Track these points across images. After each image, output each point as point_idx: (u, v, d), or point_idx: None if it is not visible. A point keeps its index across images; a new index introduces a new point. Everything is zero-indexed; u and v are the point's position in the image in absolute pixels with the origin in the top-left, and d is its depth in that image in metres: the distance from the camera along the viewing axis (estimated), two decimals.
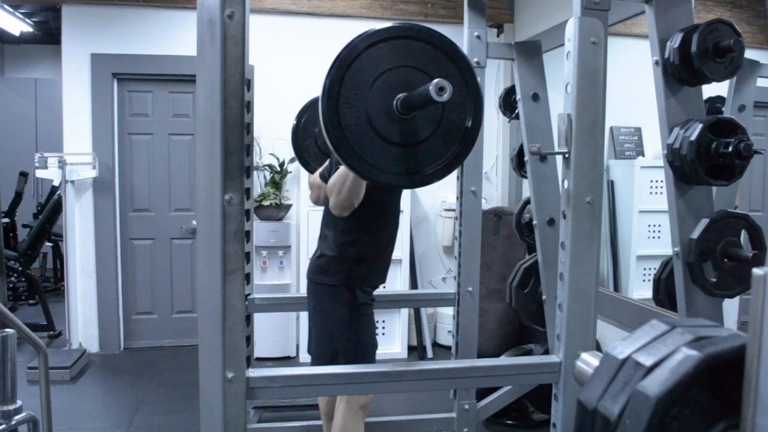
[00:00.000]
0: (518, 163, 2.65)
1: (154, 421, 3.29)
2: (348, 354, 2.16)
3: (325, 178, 2.34)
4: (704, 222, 1.45)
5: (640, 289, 3.08)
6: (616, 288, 3.26)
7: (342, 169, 1.99)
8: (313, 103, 2.55)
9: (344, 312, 2.17)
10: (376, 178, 1.34)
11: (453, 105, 1.33)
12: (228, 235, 1.25)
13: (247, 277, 2.30)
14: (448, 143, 1.36)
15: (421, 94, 1.22)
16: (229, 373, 1.28)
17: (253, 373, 1.34)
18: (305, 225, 4.23)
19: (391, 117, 1.30)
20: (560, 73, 1.44)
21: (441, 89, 1.16)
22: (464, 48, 2.31)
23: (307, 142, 2.56)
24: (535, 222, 2.30)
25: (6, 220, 5.67)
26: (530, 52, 2.33)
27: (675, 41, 1.47)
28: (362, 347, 2.18)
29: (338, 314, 2.17)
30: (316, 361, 2.25)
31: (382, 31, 1.30)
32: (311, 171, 2.61)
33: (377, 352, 2.29)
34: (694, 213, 1.49)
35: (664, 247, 1.78)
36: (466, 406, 2.42)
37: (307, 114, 2.54)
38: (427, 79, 1.27)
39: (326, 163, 2.42)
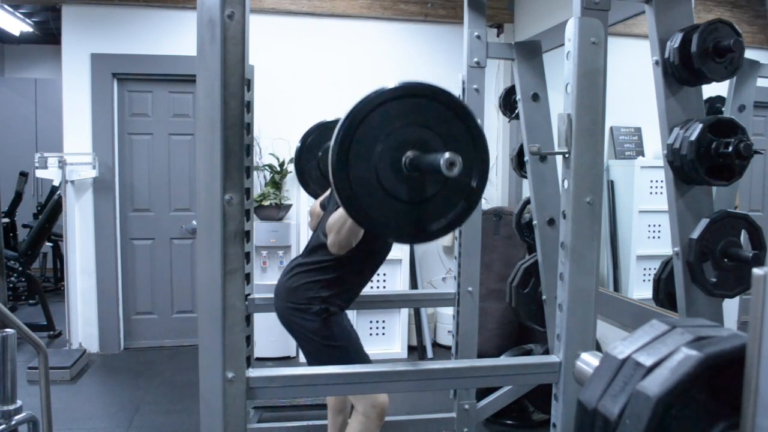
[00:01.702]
0: (518, 163, 2.65)
1: (154, 421, 3.29)
2: (338, 362, 2.12)
3: (325, 207, 2.34)
4: (704, 222, 1.45)
5: (640, 289, 3.08)
6: (616, 288, 3.26)
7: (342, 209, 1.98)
8: (318, 127, 2.59)
9: (315, 327, 2.12)
10: (381, 232, 1.37)
11: None
12: (228, 235, 1.25)
13: (247, 277, 2.30)
14: (452, 201, 1.36)
15: (431, 164, 1.22)
16: (229, 373, 1.28)
17: (253, 373, 1.34)
18: (305, 225, 4.22)
19: (399, 173, 1.30)
20: (560, 73, 1.44)
21: (451, 164, 1.15)
22: (464, 48, 2.31)
23: (309, 164, 2.59)
24: (535, 222, 2.30)
25: (6, 220, 5.67)
26: (530, 52, 2.33)
27: (675, 41, 1.47)
28: (345, 351, 2.14)
29: (314, 333, 2.13)
30: None
31: (396, 89, 1.30)
32: (310, 192, 2.64)
33: (376, 352, 2.27)
34: (694, 213, 1.49)
35: (664, 247, 1.77)
36: (466, 406, 2.42)
37: (311, 137, 2.58)
38: (436, 139, 1.29)
39: (327, 192, 2.43)
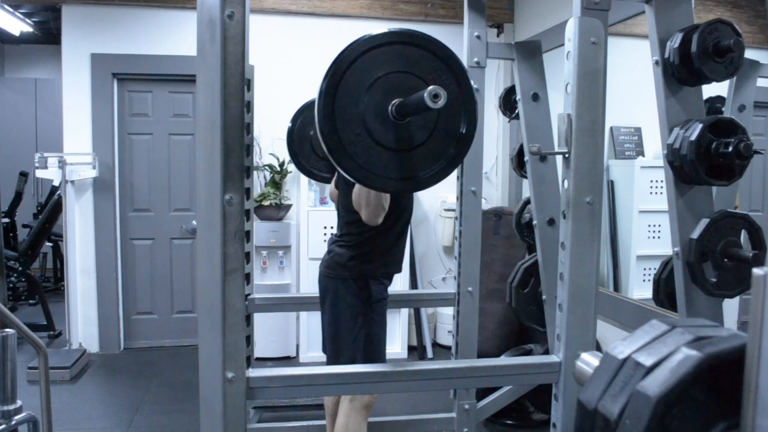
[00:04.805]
0: (518, 163, 2.65)
1: (154, 421, 3.29)
2: (357, 344, 2.16)
3: (338, 186, 2.38)
4: (704, 222, 1.45)
5: (640, 289, 3.08)
6: (616, 288, 3.26)
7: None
8: (308, 106, 2.58)
9: (356, 303, 2.18)
10: (372, 184, 1.35)
11: (447, 110, 1.32)
12: (228, 235, 1.25)
13: (247, 277, 2.29)
14: (443, 148, 1.36)
15: (415, 102, 1.22)
16: (229, 373, 1.28)
17: (253, 373, 1.34)
18: (305, 225, 4.23)
19: (387, 122, 1.30)
20: (560, 73, 1.44)
21: (435, 96, 1.15)
22: (464, 48, 2.31)
23: (302, 144, 2.60)
24: (535, 222, 2.30)
25: (6, 220, 5.67)
26: (530, 52, 2.33)
27: (675, 41, 1.47)
28: (370, 340, 2.18)
29: (349, 305, 2.19)
30: (331, 360, 2.26)
31: (377, 37, 1.29)
32: (307, 173, 2.68)
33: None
34: (694, 213, 1.49)
35: (664, 247, 1.77)
36: (466, 406, 2.42)
37: (302, 117, 2.58)
38: (422, 84, 1.27)
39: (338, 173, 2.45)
